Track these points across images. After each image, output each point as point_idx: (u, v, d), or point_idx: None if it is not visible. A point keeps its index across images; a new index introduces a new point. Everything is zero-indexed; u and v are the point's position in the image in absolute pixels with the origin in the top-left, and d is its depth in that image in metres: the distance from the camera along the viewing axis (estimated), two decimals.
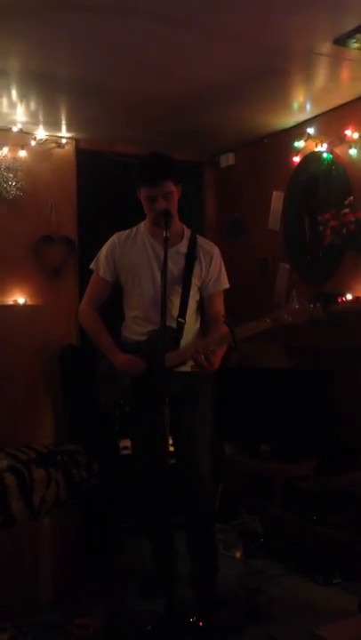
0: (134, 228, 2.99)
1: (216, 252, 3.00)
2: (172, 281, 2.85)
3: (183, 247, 2.92)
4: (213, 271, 2.97)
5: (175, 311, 2.87)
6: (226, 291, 3.07)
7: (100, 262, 2.98)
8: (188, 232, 2.98)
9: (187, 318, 2.88)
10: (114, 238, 2.99)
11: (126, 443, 3.65)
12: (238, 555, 3.42)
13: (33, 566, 2.88)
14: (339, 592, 3.01)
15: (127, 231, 3.00)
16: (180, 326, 2.86)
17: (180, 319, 2.86)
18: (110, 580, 3.13)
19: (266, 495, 3.76)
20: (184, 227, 2.99)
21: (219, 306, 2.99)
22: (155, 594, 2.87)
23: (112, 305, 3.06)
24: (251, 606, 2.78)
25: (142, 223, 2.98)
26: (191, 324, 2.93)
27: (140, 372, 2.80)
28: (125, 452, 3.63)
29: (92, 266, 3.02)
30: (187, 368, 2.75)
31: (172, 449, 3.11)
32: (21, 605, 2.79)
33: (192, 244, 2.94)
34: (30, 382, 3.75)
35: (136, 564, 3.06)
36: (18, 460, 3.07)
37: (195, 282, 2.91)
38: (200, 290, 2.95)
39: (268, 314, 2.61)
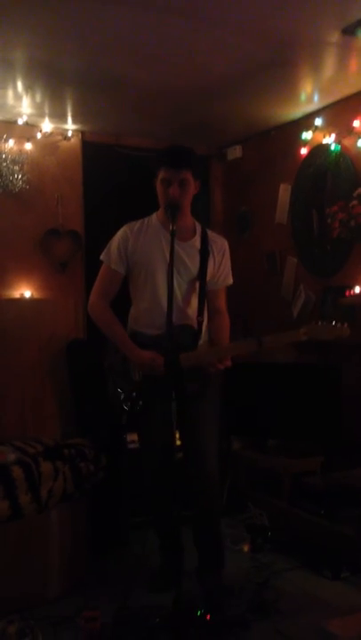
0: (146, 219, 2.96)
1: (227, 246, 3.00)
2: (189, 278, 2.85)
3: (197, 242, 2.90)
4: (225, 267, 2.98)
5: (194, 309, 2.86)
6: (233, 284, 3.06)
7: (112, 254, 2.92)
8: (199, 227, 2.96)
9: (203, 316, 2.88)
10: (125, 229, 2.94)
11: (133, 436, 3.65)
12: (246, 549, 3.42)
13: (40, 559, 2.88)
14: (347, 586, 3.00)
15: (139, 222, 2.96)
16: (200, 325, 2.86)
17: (199, 317, 2.85)
18: (118, 574, 3.13)
19: (273, 490, 3.76)
20: (195, 221, 2.97)
21: (223, 299, 3.02)
22: (162, 588, 2.87)
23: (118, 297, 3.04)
24: (258, 601, 2.77)
25: (154, 214, 2.95)
26: (207, 321, 2.92)
27: (158, 370, 2.74)
28: (133, 445, 3.63)
29: (102, 257, 2.96)
30: (203, 367, 2.79)
31: (178, 443, 3.11)
32: (29, 598, 2.80)
33: (204, 239, 2.92)
34: (37, 376, 3.76)
35: (144, 558, 3.05)
36: (25, 454, 3.07)
37: (208, 278, 2.90)
38: (209, 284, 2.93)
39: (299, 328, 2.63)
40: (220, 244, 2.96)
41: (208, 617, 2.56)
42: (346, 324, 2.65)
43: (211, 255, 2.90)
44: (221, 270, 2.96)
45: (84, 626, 2.51)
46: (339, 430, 3.59)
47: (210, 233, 2.98)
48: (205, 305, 2.89)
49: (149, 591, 2.90)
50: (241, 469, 3.98)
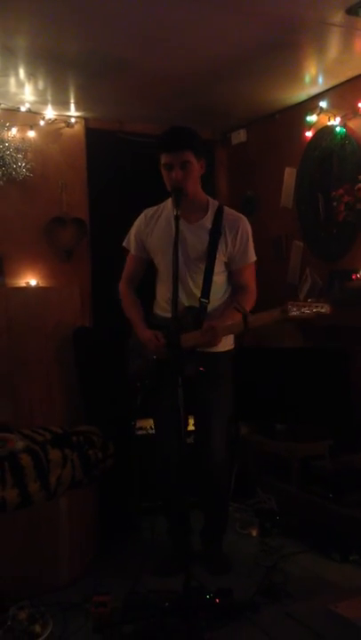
0: (162, 204, 2.96)
1: (243, 224, 2.91)
2: (197, 258, 2.84)
3: (208, 222, 2.87)
4: (240, 245, 2.90)
5: (198, 291, 2.86)
6: (253, 268, 3.03)
7: (131, 240, 3.01)
8: (213, 205, 2.92)
9: (211, 297, 2.86)
10: (141, 215, 3.00)
11: (142, 423, 3.66)
12: (255, 533, 3.43)
13: (50, 546, 2.90)
14: (355, 569, 3.01)
15: (155, 207, 2.98)
16: (204, 306, 2.84)
17: (203, 299, 2.84)
18: (128, 559, 3.15)
19: (282, 474, 3.76)
20: (209, 199, 2.93)
21: (248, 277, 2.97)
22: (170, 571, 2.90)
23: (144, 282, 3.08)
24: (267, 584, 2.78)
25: (169, 198, 2.91)
26: (216, 302, 2.90)
27: (160, 351, 2.79)
28: (141, 432, 3.64)
29: (124, 244, 3.05)
30: (215, 349, 2.80)
31: (192, 428, 3.13)
32: (39, 584, 2.82)
33: (218, 218, 2.87)
34: (44, 364, 3.77)
35: (153, 543, 3.07)
36: (34, 442, 3.09)
37: (220, 258, 2.87)
38: (228, 264, 2.91)
39: (279, 306, 2.59)
40: (232, 222, 2.89)
41: (217, 600, 2.58)
42: (326, 303, 2.61)
43: (222, 235, 2.86)
44: (237, 248, 2.89)
45: (94, 610, 2.53)
46: (347, 414, 3.58)
47: (226, 210, 2.92)
48: (213, 286, 2.87)
49: (158, 575, 2.92)
50: (249, 454, 3.99)
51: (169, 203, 2.91)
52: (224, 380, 3.01)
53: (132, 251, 3.02)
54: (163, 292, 2.97)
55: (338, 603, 2.58)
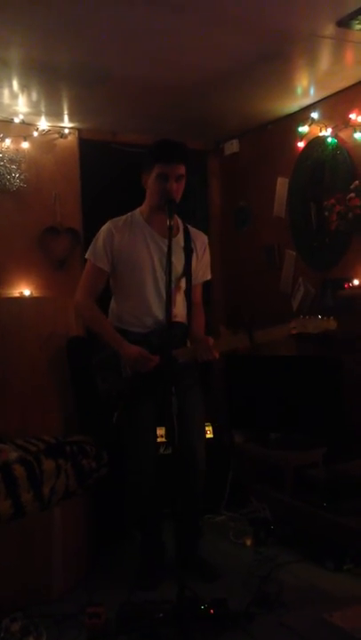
0: (129, 215, 2.93)
1: (207, 242, 3.01)
2: (176, 275, 2.84)
3: (181, 239, 2.89)
4: (205, 262, 3.00)
5: (180, 306, 2.88)
6: (233, 278, 3.07)
7: (97, 251, 2.88)
8: (181, 223, 2.94)
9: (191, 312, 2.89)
10: (109, 226, 2.90)
11: None
12: (249, 542, 3.42)
13: (44, 557, 2.89)
14: (350, 578, 3.00)
15: (122, 218, 2.93)
16: (189, 321, 2.89)
17: (188, 314, 2.88)
18: (122, 569, 3.14)
19: (276, 483, 3.76)
20: (177, 218, 2.95)
21: (200, 294, 3.04)
22: (153, 584, 2.91)
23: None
24: (262, 593, 2.78)
25: (137, 210, 2.93)
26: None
27: (152, 367, 2.76)
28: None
29: (87, 255, 2.94)
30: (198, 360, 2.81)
31: (162, 440, 3.16)
32: (33, 596, 2.80)
33: (187, 236, 2.92)
34: (38, 374, 3.75)
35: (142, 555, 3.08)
36: (27, 452, 3.08)
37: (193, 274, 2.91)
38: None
39: (287, 322, 2.65)
40: (201, 240, 2.97)
41: (212, 611, 2.57)
42: (332, 317, 2.67)
43: (194, 252, 2.91)
44: (201, 266, 2.97)
45: (88, 622, 2.52)
46: (341, 422, 3.60)
47: (191, 229, 2.97)
48: (191, 301, 2.91)
49: (142, 589, 2.87)
50: (243, 463, 3.99)
51: (137, 214, 2.92)
52: (196, 384, 3.01)
53: (98, 263, 2.87)
54: (130, 306, 2.89)
55: (333, 612, 2.58)
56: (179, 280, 2.86)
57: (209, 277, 3.06)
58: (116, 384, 2.88)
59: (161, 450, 3.33)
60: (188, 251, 2.88)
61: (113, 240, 2.86)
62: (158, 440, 3.17)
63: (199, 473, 3.00)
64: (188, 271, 2.87)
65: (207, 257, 3.01)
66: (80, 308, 2.99)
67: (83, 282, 2.96)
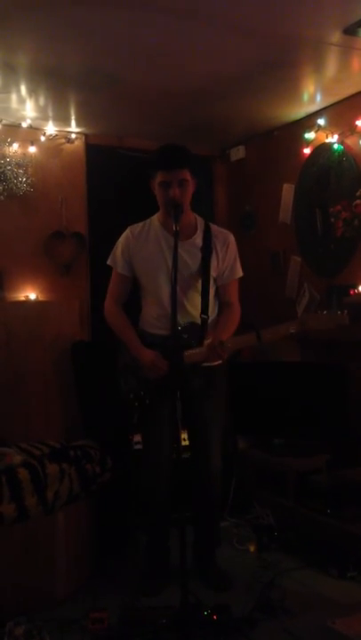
0: (147, 221, 2.97)
1: (231, 239, 2.97)
2: (190, 276, 2.85)
3: (198, 239, 2.90)
4: (229, 260, 2.95)
5: (197, 307, 2.87)
6: (238, 283, 3.06)
7: (117, 258, 2.96)
8: (201, 222, 2.96)
9: (209, 313, 2.89)
10: (127, 232, 2.96)
11: (139, 437, 3.65)
12: (252, 549, 3.42)
13: (47, 561, 2.89)
14: (353, 585, 3.00)
15: (140, 224, 2.97)
16: (205, 322, 2.87)
17: (203, 315, 2.87)
18: (125, 574, 3.14)
19: (279, 489, 3.75)
20: (197, 217, 2.96)
21: (233, 293, 3.01)
22: (156, 589, 2.91)
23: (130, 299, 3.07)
24: (265, 600, 2.77)
25: (155, 216, 2.96)
26: (213, 318, 2.93)
27: (165, 372, 2.78)
28: (138, 446, 3.63)
29: (109, 262, 3.00)
30: (208, 363, 2.81)
31: (185, 443, 3.12)
32: (36, 600, 2.80)
33: (207, 235, 2.91)
34: (43, 378, 3.76)
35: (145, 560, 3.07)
36: (31, 456, 3.08)
37: (212, 274, 2.90)
38: (215, 280, 2.94)
39: (296, 319, 2.64)
40: (222, 239, 2.94)
41: (215, 616, 2.56)
42: (345, 311, 2.64)
43: (214, 251, 2.89)
44: (226, 264, 2.94)
45: (91, 627, 2.52)
46: (344, 428, 3.59)
47: (213, 228, 2.96)
48: (210, 302, 2.90)
49: (144, 595, 2.88)
50: (247, 469, 3.98)
51: (155, 220, 2.94)
52: (220, 394, 3.02)
53: (119, 269, 2.95)
54: (151, 309, 2.94)
55: (336, 619, 2.57)
56: (195, 280, 2.86)
57: (239, 275, 3.01)
58: (137, 387, 2.91)
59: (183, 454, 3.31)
60: (207, 250, 2.87)
61: (130, 245, 2.92)
62: (183, 444, 3.18)
63: (213, 481, 3.00)
64: (204, 271, 2.86)
65: (231, 255, 2.95)
66: (106, 315, 3.04)
67: (109, 289, 3.04)
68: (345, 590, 2.95)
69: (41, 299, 4.28)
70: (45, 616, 2.66)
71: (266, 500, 3.76)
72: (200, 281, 2.87)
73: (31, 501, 2.79)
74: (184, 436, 3.19)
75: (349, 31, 2.93)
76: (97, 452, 3.25)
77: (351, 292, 3.78)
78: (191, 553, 3.10)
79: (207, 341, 2.81)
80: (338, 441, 3.69)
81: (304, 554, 3.28)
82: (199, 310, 2.87)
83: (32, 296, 4.27)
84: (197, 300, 2.88)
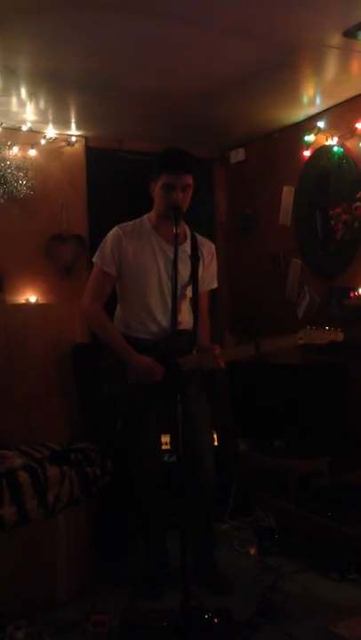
0: (137, 221, 2.94)
1: (214, 250, 3.01)
2: (182, 284, 2.84)
3: (188, 247, 2.90)
4: (212, 270, 3.00)
5: (185, 314, 2.87)
6: (238, 285, 3.07)
7: (105, 255, 2.88)
8: (188, 231, 2.95)
9: (196, 320, 2.89)
10: (117, 230, 2.90)
11: None
12: (253, 552, 3.41)
13: (48, 564, 2.88)
14: (354, 588, 2.99)
15: (130, 223, 2.93)
16: (195, 329, 2.88)
17: (194, 322, 2.88)
18: (126, 577, 3.13)
19: (280, 492, 3.75)
20: (185, 226, 2.95)
21: (206, 301, 3.05)
22: (157, 592, 2.91)
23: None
24: (266, 603, 2.77)
25: (145, 216, 2.93)
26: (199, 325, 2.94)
27: (158, 379, 2.76)
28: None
29: (94, 259, 2.93)
30: (202, 368, 2.83)
31: (166, 447, 3.13)
32: (37, 603, 2.80)
33: (194, 244, 2.91)
34: (43, 381, 3.76)
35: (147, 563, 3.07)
36: (32, 459, 3.08)
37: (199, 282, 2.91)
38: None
39: (294, 333, 2.67)
40: (208, 248, 2.97)
41: (216, 620, 2.56)
42: (339, 329, 2.69)
43: (201, 260, 2.91)
44: (208, 273, 2.97)
45: (92, 630, 2.51)
46: (346, 431, 3.58)
47: (198, 237, 2.97)
48: (198, 309, 2.91)
49: (145, 598, 2.86)
50: (247, 471, 3.98)
51: (145, 221, 2.92)
52: (201, 392, 3.00)
53: (105, 267, 2.86)
54: (134, 313, 2.88)
55: (337, 622, 2.56)
56: (185, 288, 2.86)
57: (215, 286, 3.06)
58: (121, 391, 2.86)
59: (165, 457, 3.33)
60: (195, 259, 2.88)
61: (120, 244, 2.86)
62: (163, 447, 3.17)
63: (207, 483, 2.99)
64: (194, 279, 2.87)
65: (214, 265, 3.00)
66: (86, 314, 2.98)
67: (89, 286, 2.94)
68: (346, 593, 2.94)
69: (41, 301, 4.28)
70: (46, 619, 2.66)
71: (267, 503, 3.76)
72: (190, 288, 2.87)
73: (32, 504, 2.78)
74: (166, 440, 3.19)
75: (349, 34, 2.93)
76: (97, 455, 3.25)
77: (352, 295, 3.78)
78: (191, 556, 3.10)
79: (195, 350, 2.83)
80: (339, 443, 3.68)
81: (305, 557, 3.27)
82: (188, 317, 2.88)
83: (32, 299, 4.27)
84: (186, 307, 2.88)
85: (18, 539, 2.80)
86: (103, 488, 3.21)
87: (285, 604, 2.78)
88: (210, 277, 3.00)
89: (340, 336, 2.68)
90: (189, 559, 2.98)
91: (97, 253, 2.93)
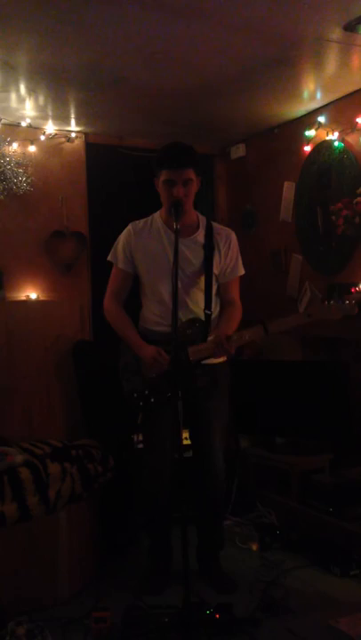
0: (149, 218, 2.97)
1: (233, 237, 2.97)
2: (193, 273, 2.86)
3: (200, 237, 2.90)
4: (231, 258, 2.96)
5: (199, 304, 2.87)
6: (239, 281, 3.05)
7: (118, 254, 2.95)
8: (203, 221, 2.96)
9: (212, 309, 2.89)
10: (129, 228, 2.96)
11: (141, 436, 3.65)
12: (255, 548, 3.41)
13: (50, 560, 2.89)
14: (356, 584, 2.99)
15: (142, 220, 2.97)
16: (208, 318, 2.87)
17: (207, 311, 2.87)
18: (127, 574, 3.14)
19: (282, 488, 3.75)
20: (199, 215, 2.96)
21: (235, 292, 3.00)
22: (159, 588, 2.91)
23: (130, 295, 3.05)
24: (268, 599, 2.77)
25: (157, 212, 2.96)
26: (216, 314, 2.93)
27: (165, 369, 2.77)
28: (141, 445, 3.63)
29: (109, 258, 2.99)
30: (213, 361, 2.82)
31: (187, 442, 3.12)
32: (38, 599, 2.80)
33: (209, 233, 2.91)
34: (44, 377, 3.76)
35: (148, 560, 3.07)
36: (33, 455, 3.08)
37: (214, 271, 2.90)
38: (217, 278, 2.93)
39: (303, 310, 2.64)
40: (224, 236, 2.94)
41: (217, 616, 2.56)
42: (354, 302, 2.64)
43: (216, 249, 2.89)
44: (228, 262, 2.94)
45: (94, 626, 2.51)
46: (347, 427, 3.58)
47: (215, 226, 2.97)
48: (213, 298, 2.90)
49: (147, 594, 2.86)
50: (249, 468, 3.98)
51: (157, 217, 2.94)
52: (223, 394, 3.01)
53: (120, 265, 2.94)
54: (152, 306, 2.93)
55: (339, 618, 2.57)
56: (197, 277, 2.86)
57: (241, 273, 3.00)
58: (140, 386, 2.89)
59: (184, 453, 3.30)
60: (210, 248, 2.87)
61: (132, 241, 2.92)
62: (184, 443, 3.16)
63: (216, 481, 2.99)
64: (207, 268, 2.86)
65: (234, 253, 2.95)
66: (105, 312, 3.02)
67: (109, 285, 3.02)
68: (348, 589, 2.95)
69: (42, 298, 4.27)
70: (48, 615, 2.66)
71: (268, 499, 3.76)
72: (202, 278, 2.87)
73: (33, 501, 2.78)
74: (186, 435, 3.19)
75: (349, 28, 2.91)
76: (99, 452, 3.25)
77: (353, 290, 3.76)
78: (195, 555, 3.09)
79: (211, 337, 2.81)
80: (341, 440, 3.68)
81: (307, 553, 3.28)
82: (201, 307, 2.87)
83: (33, 296, 4.26)
84: (200, 296, 2.87)
85: (19, 535, 2.80)
86: (104, 484, 3.21)
87: (287, 599, 2.78)
88: (231, 265, 2.95)
89: (354, 309, 2.63)
90: (192, 555, 3.02)
91: (111, 252, 2.99)
